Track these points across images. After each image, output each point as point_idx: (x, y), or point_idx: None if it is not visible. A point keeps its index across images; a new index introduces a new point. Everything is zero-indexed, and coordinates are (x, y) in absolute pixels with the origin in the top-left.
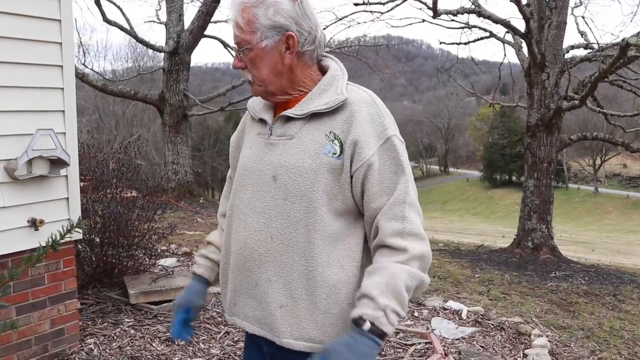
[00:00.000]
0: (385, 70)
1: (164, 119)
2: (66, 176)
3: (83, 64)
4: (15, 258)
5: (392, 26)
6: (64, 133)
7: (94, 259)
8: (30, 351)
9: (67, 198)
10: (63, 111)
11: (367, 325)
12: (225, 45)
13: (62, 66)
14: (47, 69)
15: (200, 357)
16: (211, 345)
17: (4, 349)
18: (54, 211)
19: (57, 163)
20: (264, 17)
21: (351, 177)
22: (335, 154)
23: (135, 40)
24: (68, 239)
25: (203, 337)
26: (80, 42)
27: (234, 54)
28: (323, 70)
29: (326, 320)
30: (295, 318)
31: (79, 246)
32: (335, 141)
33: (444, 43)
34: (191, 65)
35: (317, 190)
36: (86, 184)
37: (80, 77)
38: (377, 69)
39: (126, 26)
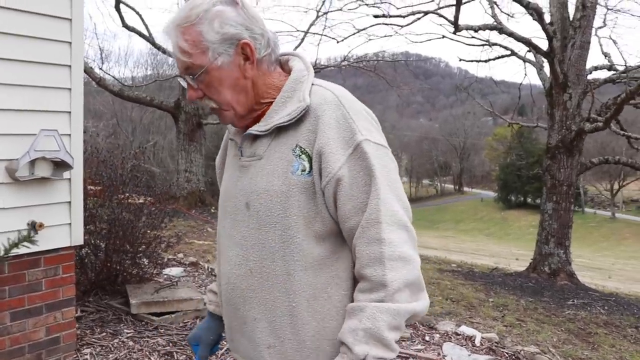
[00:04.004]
0: (403, 86)
1: (178, 127)
2: (69, 179)
3: (100, 69)
4: (13, 262)
5: (412, 42)
6: (69, 135)
7: (98, 265)
8: (23, 359)
9: (70, 202)
10: (69, 112)
11: None
12: None
13: (70, 66)
14: (54, 68)
15: None
16: None
17: None
18: (55, 215)
19: (60, 165)
20: (211, 32)
21: (323, 193)
22: (305, 170)
23: (155, 48)
24: (66, 245)
25: None
26: (99, 47)
27: (184, 84)
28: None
29: (318, 359)
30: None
31: (83, 251)
32: (303, 156)
33: (463, 60)
34: None
35: (291, 216)
36: (97, 188)
37: (97, 81)
38: (395, 85)
39: (145, 33)
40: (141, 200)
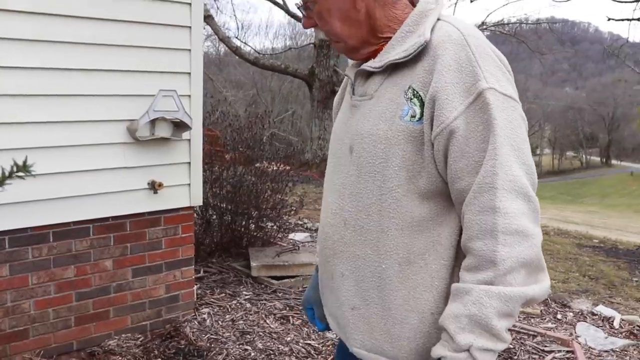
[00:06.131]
0: (547, 53)
1: (312, 94)
2: (189, 140)
3: (236, 37)
4: (134, 220)
5: (556, 1)
6: (189, 96)
7: (223, 227)
8: (144, 314)
9: (189, 163)
10: (189, 73)
11: None
12: None
13: (190, 27)
14: (174, 30)
15: (314, 340)
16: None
17: (119, 310)
18: (174, 175)
19: (179, 126)
20: None
21: (432, 145)
22: (415, 116)
23: (291, 18)
24: (186, 205)
25: None
26: (235, 17)
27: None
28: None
29: (402, 332)
30: (367, 325)
31: (209, 213)
32: (415, 100)
33: (613, 19)
34: None
35: (392, 166)
36: (233, 154)
37: (234, 50)
38: (538, 51)
39: (279, 1)
40: (273, 167)
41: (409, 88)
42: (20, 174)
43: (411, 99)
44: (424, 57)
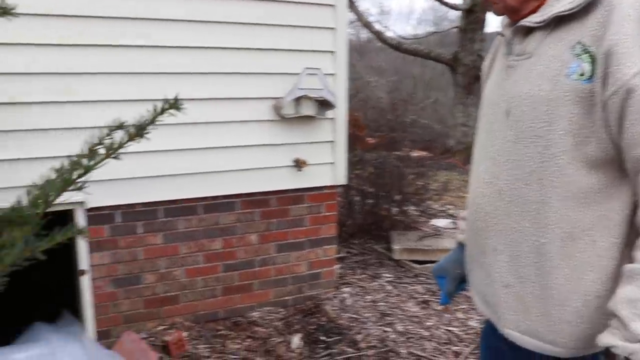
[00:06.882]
0: None
1: (456, 80)
2: (333, 119)
3: (379, 22)
4: (278, 196)
5: None
6: (333, 74)
7: (365, 209)
8: (286, 290)
9: (332, 141)
10: (333, 52)
11: None
12: None
13: (334, 5)
14: (318, 8)
15: (455, 326)
16: (470, 316)
17: (262, 283)
18: (317, 153)
19: (323, 104)
20: None
21: (604, 107)
22: (583, 74)
23: (439, 3)
24: (329, 184)
25: (463, 307)
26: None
27: None
28: None
29: (563, 315)
30: (522, 305)
31: (351, 194)
32: (584, 56)
33: None
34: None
35: (556, 130)
36: (374, 140)
37: (377, 35)
38: None
39: None
40: (415, 154)
41: (577, 43)
42: (172, 110)
43: (580, 55)
44: (595, 9)
